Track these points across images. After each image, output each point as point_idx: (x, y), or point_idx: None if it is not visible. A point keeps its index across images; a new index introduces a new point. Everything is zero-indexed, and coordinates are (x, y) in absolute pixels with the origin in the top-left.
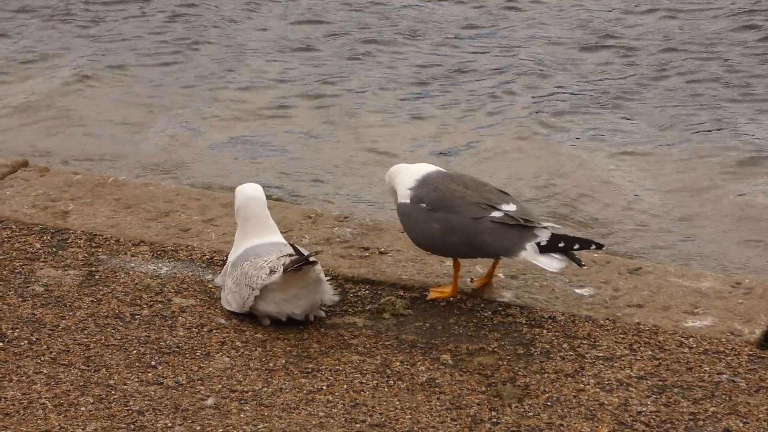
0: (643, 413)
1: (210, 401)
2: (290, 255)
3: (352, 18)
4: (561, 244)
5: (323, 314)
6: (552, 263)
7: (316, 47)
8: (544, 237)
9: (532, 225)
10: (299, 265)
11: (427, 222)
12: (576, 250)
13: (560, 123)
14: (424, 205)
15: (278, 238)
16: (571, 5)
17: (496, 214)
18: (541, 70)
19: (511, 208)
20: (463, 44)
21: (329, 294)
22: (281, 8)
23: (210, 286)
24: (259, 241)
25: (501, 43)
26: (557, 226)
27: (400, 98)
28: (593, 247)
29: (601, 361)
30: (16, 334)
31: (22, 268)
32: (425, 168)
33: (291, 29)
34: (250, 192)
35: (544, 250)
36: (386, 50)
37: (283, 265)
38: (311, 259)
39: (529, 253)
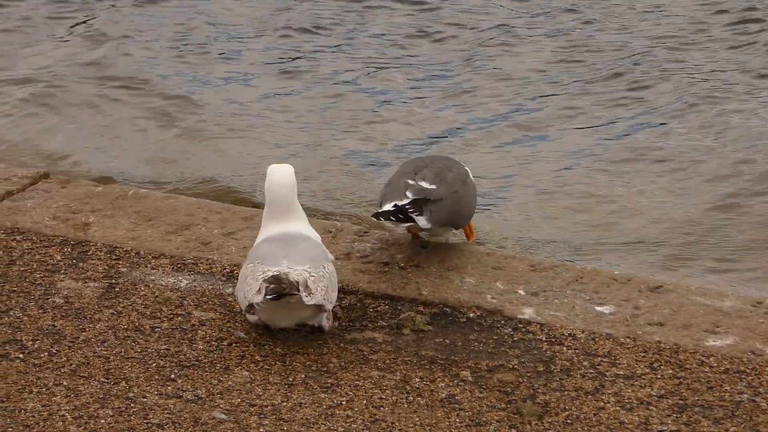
0: None
1: (217, 414)
2: (271, 280)
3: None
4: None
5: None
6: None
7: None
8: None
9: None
10: (277, 296)
11: None
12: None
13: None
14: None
15: (301, 225)
16: None
17: (409, 180)
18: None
19: (425, 185)
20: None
21: (322, 318)
22: None
23: (230, 299)
24: (279, 230)
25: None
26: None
27: None
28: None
29: (621, 380)
30: (36, 345)
31: (43, 280)
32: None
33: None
34: (279, 174)
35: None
36: None
37: (265, 289)
38: (294, 291)
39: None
